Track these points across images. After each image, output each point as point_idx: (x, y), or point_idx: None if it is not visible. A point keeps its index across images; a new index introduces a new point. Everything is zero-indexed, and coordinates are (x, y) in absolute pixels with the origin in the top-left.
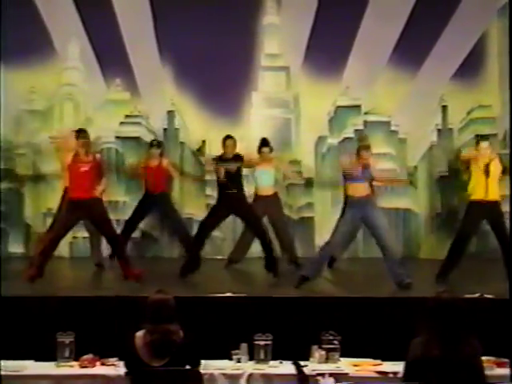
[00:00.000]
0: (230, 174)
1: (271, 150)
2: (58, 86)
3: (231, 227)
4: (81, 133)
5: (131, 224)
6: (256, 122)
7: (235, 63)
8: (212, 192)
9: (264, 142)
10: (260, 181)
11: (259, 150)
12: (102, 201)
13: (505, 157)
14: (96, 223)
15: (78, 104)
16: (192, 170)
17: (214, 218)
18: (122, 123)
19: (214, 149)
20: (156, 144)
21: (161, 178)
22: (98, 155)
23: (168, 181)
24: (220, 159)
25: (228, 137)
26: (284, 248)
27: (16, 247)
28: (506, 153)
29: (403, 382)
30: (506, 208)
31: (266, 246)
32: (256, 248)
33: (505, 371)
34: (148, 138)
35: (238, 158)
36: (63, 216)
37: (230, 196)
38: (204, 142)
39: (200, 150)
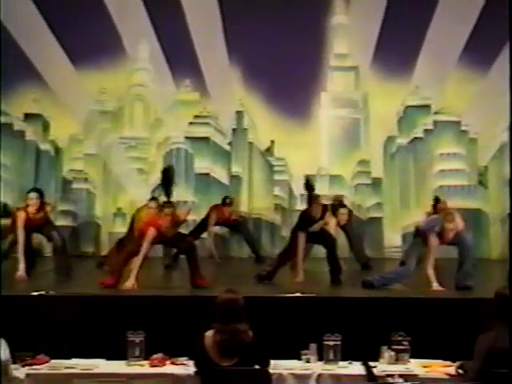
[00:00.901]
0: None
1: (349, 213)
2: (128, 87)
3: None
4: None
5: (198, 232)
6: (325, 122)
7: (304, 63)
8: (280, 192)
9: (342, 204)
10: None
11: (334, 210)
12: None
13: None
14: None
15: (147, 105)
16: (260, 170)
17: (295, 243)
18: (191, 123)
19: (283, 149)
20: (229, 203)
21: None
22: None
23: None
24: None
25: None
26: (355, 253)
27: (87, 247)
28: None
29: (472, 377)
30: None
31: (334, 261)
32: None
33: None
34: (217, 138)
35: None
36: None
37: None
38: (273, 142)
39: (269, 151)
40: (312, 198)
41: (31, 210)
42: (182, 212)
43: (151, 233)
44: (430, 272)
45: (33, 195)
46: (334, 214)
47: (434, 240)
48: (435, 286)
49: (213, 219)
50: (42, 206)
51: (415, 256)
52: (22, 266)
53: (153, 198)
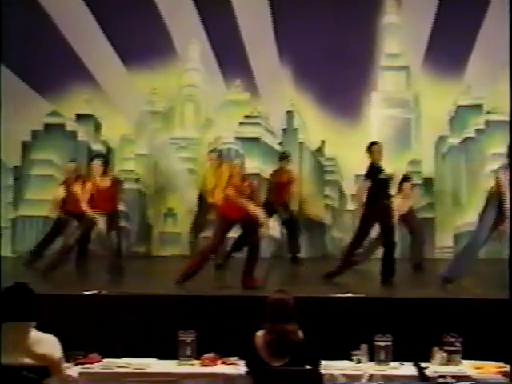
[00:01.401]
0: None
1: (412, 187)
2: (178, 87)
3: (350, 227)
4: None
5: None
6: (375, 122)
7: (355, 63)
8: (330, 192)
9: (406, 178)
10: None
11: (400, 186)
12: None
13: None
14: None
15: (198, 105)
16: (311, 171)
17: (366, 228)
18: (241, 124)
19: (333, 149)
20: (286, 157)
21: (287, 192)
22: (254, 183)
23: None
24: (373, 168)
25: (374, 143)
26: (415, 249)
27: (138, 246)
28: None
29: None
30: None
31: (390, 259)
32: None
33: None
34: (267, 138)
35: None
36: (219, 229)
37: (379, 206)
38: (323, 142)
39: (319, 151)
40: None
41: (97, 177)
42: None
43: (231, 191)
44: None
45: (97, 162)
46: (399, 191)
47: (502, 174)
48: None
49: (272, 183)
50: (106, 173)
51: (485, 226)
52: (101, 221)
53: (213, 150)
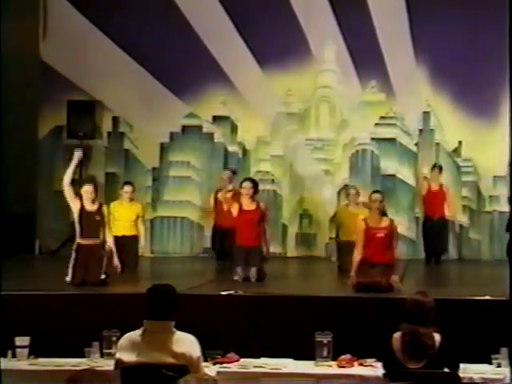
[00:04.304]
0: None
1: None
2: (313, 88)
3: (488, 228)
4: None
5: None
6: None
7: (492, 62)
8: (468, 193)
9: None
10: None
11: None
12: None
13: None
14: None
15: (333, 106)
16: (448, 172)
17: None
18: (376, 124)
19: (470, 150)
20: (439, 167)
21: (440, 202)
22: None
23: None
24: None
25: None
26: None
27: (273, 247)
28: None
29: None
30: None
31: None
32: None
33: None
34: (403, 139)
35: None
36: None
37: None
38: (460, 142)
39: (456, 151)
40: None
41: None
42: None
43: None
44: None
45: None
46: None
47: None
48: None
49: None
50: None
51: None
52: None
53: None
